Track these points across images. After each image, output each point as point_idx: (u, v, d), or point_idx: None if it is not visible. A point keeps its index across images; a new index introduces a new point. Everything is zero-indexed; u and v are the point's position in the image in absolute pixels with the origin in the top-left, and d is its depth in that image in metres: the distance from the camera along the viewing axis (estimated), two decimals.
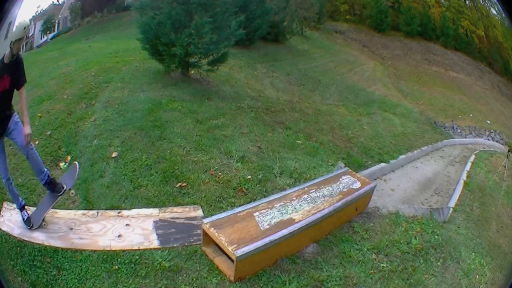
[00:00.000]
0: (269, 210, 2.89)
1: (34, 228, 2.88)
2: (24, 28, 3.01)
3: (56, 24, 7.18)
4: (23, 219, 2.95)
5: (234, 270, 2.47)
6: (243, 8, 6.75)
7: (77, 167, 3.16)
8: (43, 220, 2.92)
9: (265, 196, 3.25)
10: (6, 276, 2.47)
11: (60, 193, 3.03)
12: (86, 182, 3.40)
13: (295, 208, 2.95)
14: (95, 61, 6.47)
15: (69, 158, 3.76)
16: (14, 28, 2.96)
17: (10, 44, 2.92)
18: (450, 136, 7.34)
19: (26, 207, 3.00)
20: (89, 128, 4.26)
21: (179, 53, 5.40)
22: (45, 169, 3.10)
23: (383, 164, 5.31)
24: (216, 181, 3.51)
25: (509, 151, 5.75)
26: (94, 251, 2.62)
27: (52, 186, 3.06)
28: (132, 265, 2.55)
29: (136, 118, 4.36)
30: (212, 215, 2.91)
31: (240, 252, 2.43)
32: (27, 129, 3.03)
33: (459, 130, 7.51)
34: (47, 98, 4.98)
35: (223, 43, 5.77)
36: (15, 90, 3.06)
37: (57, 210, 3.03)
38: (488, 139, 7.31)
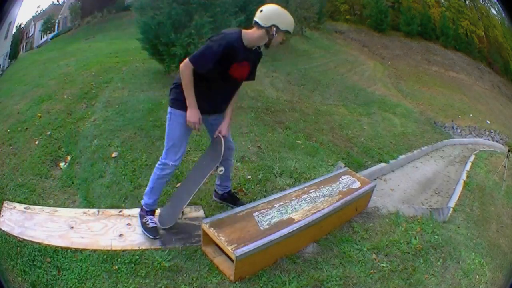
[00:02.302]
0: (268, 210, 2.89)
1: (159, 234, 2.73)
2: (293, 23, 2.50)
3: (56, 24, 7.19)
4: (149, 226, 2.75)
5: (234, 270, 2.47)
6: (243, 8, 6.75)
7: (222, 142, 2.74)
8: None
9: (265, 196, 3.25)
10: (6, 276, 2.46)
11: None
12: (86, 182, 3.40)
13: (294, 208, 2.95)
14: (95, 61, 6.48)
15: (69, 158, 3.76)
16: (285, 18, 2.44)
17: (271, 28, 2.40)
18: (450, 136, 7.36)
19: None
20: (89, 128, 4.26)
21: (179, 53, 5.40)
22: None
23: (383, 164, 5.32)
24: None
25: (509, 151, 5.76)
26: (95, 251, 2.62)
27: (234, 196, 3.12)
28: (132, 265, 2.55)
29: (136, 118, 4.36)
30: (212, 215, 2.91)
31: (239, 251, 2.43)
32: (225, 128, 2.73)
33: (459, 130, 7.53)
34: (47, 98, 4.98)
35: None
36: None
37: (57, 208, 3.02)
38: (488, 139, 7.33)
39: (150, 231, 2.75)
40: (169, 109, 2.68)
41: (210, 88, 2.59)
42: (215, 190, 3.21)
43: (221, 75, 2.53)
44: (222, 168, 2.69)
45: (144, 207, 2.83)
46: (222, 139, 2.74)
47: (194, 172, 2.95)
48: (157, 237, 2.73)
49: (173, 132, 2.66)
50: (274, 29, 2.43)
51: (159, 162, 2.70)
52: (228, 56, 2.44)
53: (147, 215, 2.80)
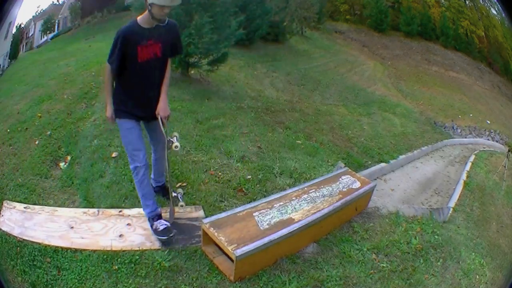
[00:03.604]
0: (268, 210, 2.89)
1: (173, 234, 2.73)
2: None
3: (56, 24, 7.18)
4: (159, 229, 2.73)
5: (234, 270, 2.47)
6: (243, 8, 6.75)
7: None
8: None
9: (265, 196, 3.25)
10: (6, 276, 2.47)
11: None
12: (86, 182, 3.40)
13: (294, 208, 2.95)
14: (95, 61, 6.46)
15: (69, 158, 3.76)
16: None
17: (148, 7, 2.55)
18: (450, 136, 7.34)
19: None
20: (89, 128, 4.26)
21: None
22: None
23: (383, 164, 5.31)
24: (216, 181, 3.51)
25: (509, 151, 5.75)
26: (94, 251, 2.62)
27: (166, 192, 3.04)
28: (132, 265, 2.55)
29: None
30: (212, 215, 2.91)
31: (239, 251, 2.43)
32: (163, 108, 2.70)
33: (459, 130, 7.51)
34: (47, 98, 4.98)
35: (223, 43, 5.77)
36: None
37: (57, 208, 3.02)
38: (488, 139, 7.31)
39: (163, 233, 2.73)
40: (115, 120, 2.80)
41: (137, 89, 2.68)
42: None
43: (134, 64, 2.60)
44: (177, 144, 2.77)
45: (149, 216, 2.84)
46: (161, 120, 2.74)
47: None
48: (171, 235, 2.72)
49: (127, 138, 2.75)
50: (149, 4, 2.57)
51: (131, 171, 2.78)
52: (129, 41, 2.56)
53: (154, 221, 2.80)
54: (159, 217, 2.82)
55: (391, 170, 5.36)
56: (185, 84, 5.79)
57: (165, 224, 2.77)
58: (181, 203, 3.03)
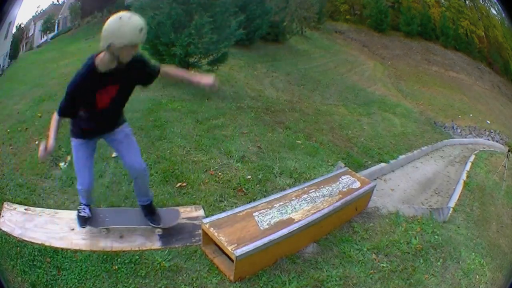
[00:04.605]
0: (268, 210, 2.89)
1: (86, 226, 2.74)
2: (141, 30, 2.17)
3: (56, 24, 7.19)
4: (80, 214, 2.72)
5: (234, 270, 2.47)
6: (243, 8, 6.76)
7: (179, 215, 2.87)
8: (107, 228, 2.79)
9: (265, 196, 3.25)
10: (6, 276, 2.47)
11: (154, 225, 2.76)
12: None
13: (294, 208, 2.95)
14: None
15: (69, 158, 3.75)
16: (120, 32, 2.14)
17: (111, 48, 2.12)
18: (450, 136, 7.35)
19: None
20: None
21: (179, 53, 5.41)
22: (151, 193, 2.82)
23: (383, 164, 5.31)
24: (216, 181, 3.51)
25: (509, 151, 5.75)
26: (94, 251, 2.62)
27: (150, 211, 2.78)
28: (132, 265, 2.55)
29: (136, 118, 4.36)
30: (212, 215, 2.91)
31: (239, 251, 2.43)
32: (207, 79, 2.51)
33: (459, 130, 7.52)
34: (47, 98, 4.98)
35: (223, 43, 5.78)
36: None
37: (58, 211, 3.02)
38: (488, 139, 7.32)
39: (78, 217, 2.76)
40: None
41: (91, 117, 2.52)
42: None
43: (91, 108, 2.43)
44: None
45: None
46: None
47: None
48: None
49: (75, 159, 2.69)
50: (114, 47, 2.14)
51: None
52: (86, 91, 2.35)
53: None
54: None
55: (391, 170, 5.36)
56: (185, 84, 5.79)
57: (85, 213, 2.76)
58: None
